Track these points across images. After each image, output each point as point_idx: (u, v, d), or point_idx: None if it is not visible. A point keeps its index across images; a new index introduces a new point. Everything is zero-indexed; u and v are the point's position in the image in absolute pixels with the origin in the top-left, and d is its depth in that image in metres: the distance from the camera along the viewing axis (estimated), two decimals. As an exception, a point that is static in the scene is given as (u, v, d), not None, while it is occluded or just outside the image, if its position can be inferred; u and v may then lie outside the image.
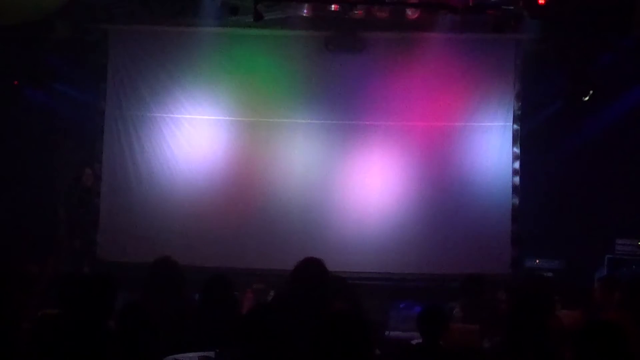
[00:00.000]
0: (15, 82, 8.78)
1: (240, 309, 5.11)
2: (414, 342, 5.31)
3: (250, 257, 8.23)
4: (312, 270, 4.55)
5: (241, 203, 8.71)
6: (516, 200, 8.75)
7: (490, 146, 8.83)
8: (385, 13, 8.28)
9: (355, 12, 8.19)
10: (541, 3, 7.40)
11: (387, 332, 6.51)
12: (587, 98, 8.55)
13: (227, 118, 8.87)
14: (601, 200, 8.65)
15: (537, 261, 8.59)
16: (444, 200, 8.73)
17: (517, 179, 8.77)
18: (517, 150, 8.82)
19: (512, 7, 7.70)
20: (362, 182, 8.81)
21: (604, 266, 8.11)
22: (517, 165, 8.79)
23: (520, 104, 8.84)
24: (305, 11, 8.32)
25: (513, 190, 8.75)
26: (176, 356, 3.95)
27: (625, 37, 8.19)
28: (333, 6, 8.17)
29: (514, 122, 8.84)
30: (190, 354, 3.98)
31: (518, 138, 8.83)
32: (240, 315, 4.78)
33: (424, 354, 4.50)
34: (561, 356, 4.29)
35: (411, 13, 8.24)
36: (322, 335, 3.03)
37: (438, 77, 8.79)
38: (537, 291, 5.74)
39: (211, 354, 3.83)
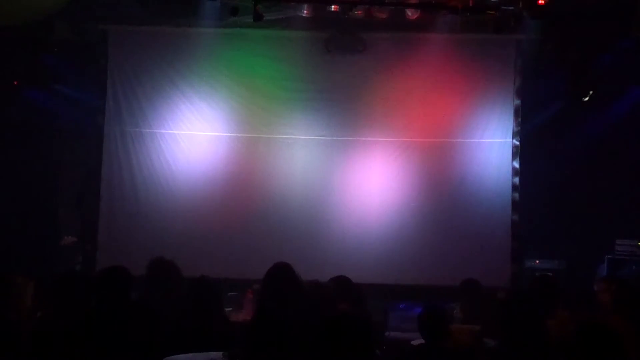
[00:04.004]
0: (15, 83, 8.78)
1: (224, 312, 5.10)
2: (413, 342, 5.32)
3: (249, 270, 8.13)
4: (279, 274, 4.62)
5: (240, 217, 8.68)
6: (516, 217, 8.73)
7: (490, 162, 8.82)
8: (385, 13, 8.28)
9: (355, 12, 8.19)
10: (541, 3, 7.41)
11: (387, 333, 6.51)
12: (587, 98, 8.56)
13: (226, 134, 8.86)
14: (601, 200, 8.66)
15: (537, 261, 8.59)
16: (443, 215, 8.72)
17: (516, 195, 8.76)
18: (516, 165, 8.82)
19: (512, 7, 7.70)
20: (361, 197, 8.78)
21: (603, 266, 8.12)
22: (516, 180, 8.78)
23: (519, 119, 8.84)
24: (305, 11, 8.32)
25: (513, 207, 8.74)
26: (179, 356, 3.95)
27: (625, 38, 8.19)
28: (333, 6, 8.17)
29: (513, 137, 8.84)
30: (195, 355, 3.98)
31: (517, 153, 8.82)
32: (225, 317, 4.79)
33: (426, 355, 4.50)
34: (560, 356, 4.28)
35: (411, 13, 8.24)
36: (326, 335, 3.04)
37: (438, 77, 8.79)
38: (536, 290, 5.75)
39: (218, 354, 3.83)
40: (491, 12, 7.74)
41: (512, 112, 8.87)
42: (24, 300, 4.78)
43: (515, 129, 8.86)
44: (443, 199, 8.76)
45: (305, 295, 4.63)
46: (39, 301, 4.95)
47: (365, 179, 8.84)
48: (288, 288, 4.53)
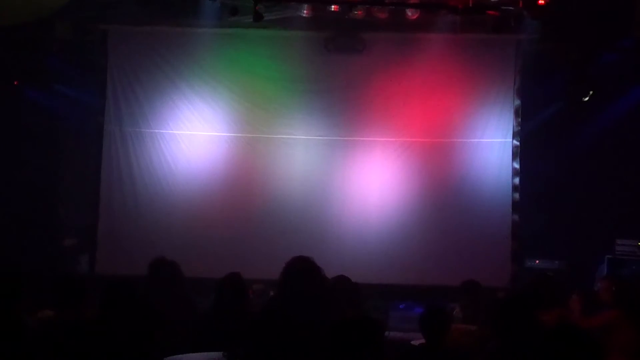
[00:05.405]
0: (15, 83, 8.78)
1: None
2: (414, 342, 5.32)
3: (249, 270, 8.12)
4: (301, 266, 4.55)
5: (240, 217, 8.69)
6: (516, 217, 8.73)
7: (490, 162, 8.82)
8: (385, 13, 8.28)
9: (355, 12, 8.18)
10: (541, 3, 7.40)
11: (387, 333, 6.50)
12: (587, 98, 8.56)
13: (226, 134, 8.86)
14: (601, 200, 8.65)
15: (537, 261, 8.59)
16: (443, 215, 8.72)
17: (516, 195, 8.76)
18: (516, 165, 8.82)
19: (512, 7, 7.70)
20: (361, 197, 8.78)
21: (603, 266, 8.12)
22: (516, 180, 8.78)
23: (519, 119, 8.84)
24: (305, 11, 8.31)
25: (513, 207, 8.74)
26: (179, 356, 3.95)
27: (625, 38, 8.19)
28: (333, 6, 8.17)
29: (513, 137, 8.85)
30: (196, 355, 3.98)
31: (517, 153, 8.82)
32: (250, 316, 4.78)
33: (427, 355, 4.51)
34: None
35: (411, 13, 8.23)
36: (336, 338, 3.06)
37: (438, 77, 8.80)
38: (535, 289, 5.77)
39: (218, 354, 3.82)
40: (491, 12, 7.74)
41: (512, 112, 8.87)
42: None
43: (515, 129, 8.86)
44: (443, 199, 8.76)
45: (324, 294, 4.57)
46: (40, 302, 4.95)
47: (365, 179, 8.84)
48: (306, 284, 4.45)
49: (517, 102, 8.87)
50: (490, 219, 8.73)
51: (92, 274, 8.35)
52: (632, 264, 8.07)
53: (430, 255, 8.62)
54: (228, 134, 8.88)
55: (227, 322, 4.46)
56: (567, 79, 8.66)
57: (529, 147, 8.85)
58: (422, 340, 4.71)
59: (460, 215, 8.73)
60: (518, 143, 8.85)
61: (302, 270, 4.44)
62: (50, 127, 9.01)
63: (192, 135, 8.87)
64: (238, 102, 8.90)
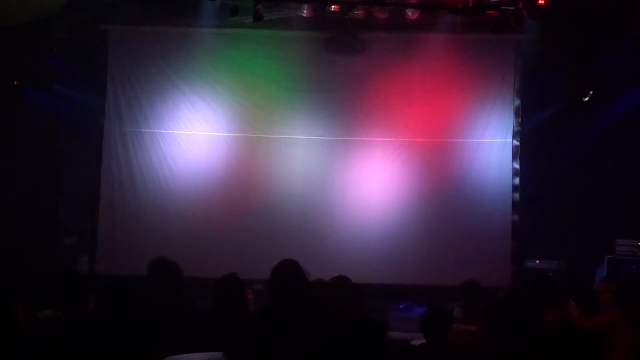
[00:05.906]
0: (15, 83, 8.78)
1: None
2: (414, 342, 5.33)
3: (249, 269, 8.10)
4: (284, 270, 4.60)
5: (240, 217, 8.68)
6: (516, 217, 8.73)
7: (490, 162, 8.82)
8: (385, 13, 8.29)
9: (355, 12, 8.19)
10: (541, 3, 7.40)
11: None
12: (587, 98, 8.56)
13: (226, 134, 8.86)
14: (601, 200, 8.65)
15: (537, 261, 8.59)
16: (443, 215, 8.72)
17: (516, 195, 8.76)
18: (516, 165, 8.82)
19: (512, 7, 7.70)
20: (361, 197, 8.77)
21: (603, 266, 8.12)
22: (517, 181, 8.79)
23: (519, 119, 8.85)
24: (305, 12, 8.32)
25: (513, 207, 8.74)
26: (179, 356, 3.95)
27: (625, 38, 8.20)
28: (333, 7, 8.17)
29: (513, 137, 8.85)
30: (196, 355, 3.98)
31: (518, 154, 8.83)
32: (248, 316, 4.78)
33: (427, 355, 4.51)
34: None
35: (411, 13, 8.25)
36: (342, 338, 3.07)
37: (438, 77, 8.80)
38: (534, 288, 5.78)
39: (218, 354, 3.82)
40: (491, 12, 7.74)
41: (512, 112, 8.87)
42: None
43: (515, 129, 8.86)
44: (443, 199, 8.76)
45: (312, 294, 4.61)
46: (40, 302, 4.95)
47: (365, 179, 8.84)
48: (295, 285, 4.50)
49: (517, 102, 8.87)
50: (490, 219, 8.73)
51: (92, 274, 8.35)
52: (632, 264, 8.07)
53: (431, 255, 8.62)
54: (228, 134, 8.88)
55: (226, 322, 4.47)
56: (567, 79, 8.66)
57: (529, 147, 8.85)
58: (422, 340, 4.72)
59: (460, 215, 8.73)
60: (518, 143, 8.85)
61: (285, 274, 4.51)
62: (50, 127, 9.01)
63: (192, 135, 8.87)
64: (238, 102, 8.90)
